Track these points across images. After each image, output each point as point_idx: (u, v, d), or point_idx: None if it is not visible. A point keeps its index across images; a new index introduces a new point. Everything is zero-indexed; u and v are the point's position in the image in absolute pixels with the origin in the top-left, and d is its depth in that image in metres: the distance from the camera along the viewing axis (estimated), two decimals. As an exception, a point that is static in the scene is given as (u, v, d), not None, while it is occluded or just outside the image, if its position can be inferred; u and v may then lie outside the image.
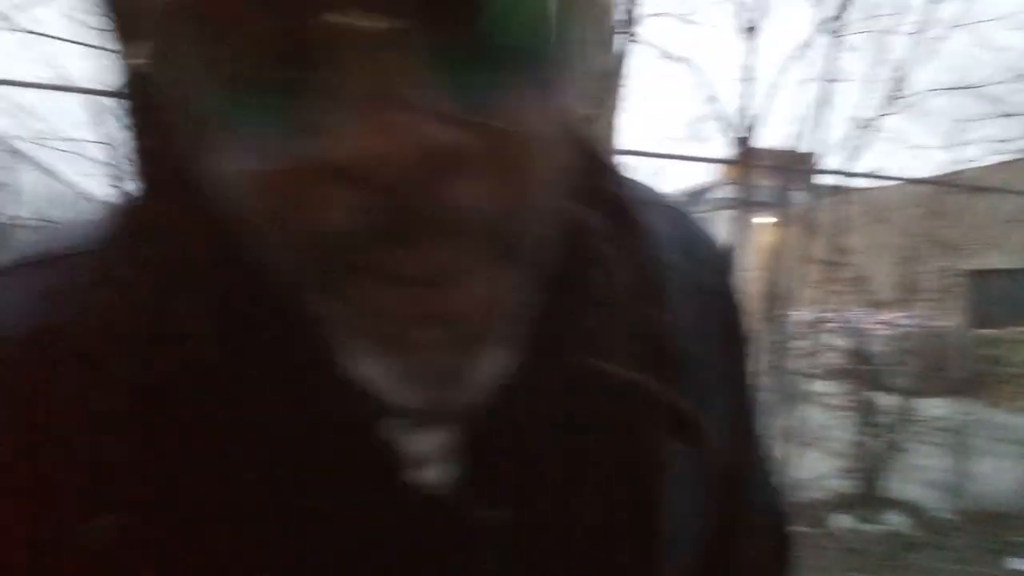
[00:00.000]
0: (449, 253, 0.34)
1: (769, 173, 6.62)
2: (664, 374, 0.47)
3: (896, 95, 6.45)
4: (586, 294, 0.46)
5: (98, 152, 5.29)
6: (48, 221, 5.68)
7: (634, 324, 0.47)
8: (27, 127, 5.40)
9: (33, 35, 5.27)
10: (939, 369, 6.52)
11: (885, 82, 6.46)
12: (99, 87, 5.32)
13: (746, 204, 6.06)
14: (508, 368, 0.39)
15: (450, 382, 0.37)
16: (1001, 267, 7.60)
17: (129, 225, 0.43)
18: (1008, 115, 7.24)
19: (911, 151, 6.39)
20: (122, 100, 0.41)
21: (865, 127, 6.38)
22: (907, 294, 6.28)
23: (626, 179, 0.52)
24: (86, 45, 5.15)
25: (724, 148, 6.24)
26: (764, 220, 6.34)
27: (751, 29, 5.98)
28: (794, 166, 6.33)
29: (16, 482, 0.41)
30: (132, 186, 0.44)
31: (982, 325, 8.40)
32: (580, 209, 0.45)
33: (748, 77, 5.99)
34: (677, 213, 0.60)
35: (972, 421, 6.32)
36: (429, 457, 0.41)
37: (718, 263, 0.61)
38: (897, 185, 7.13)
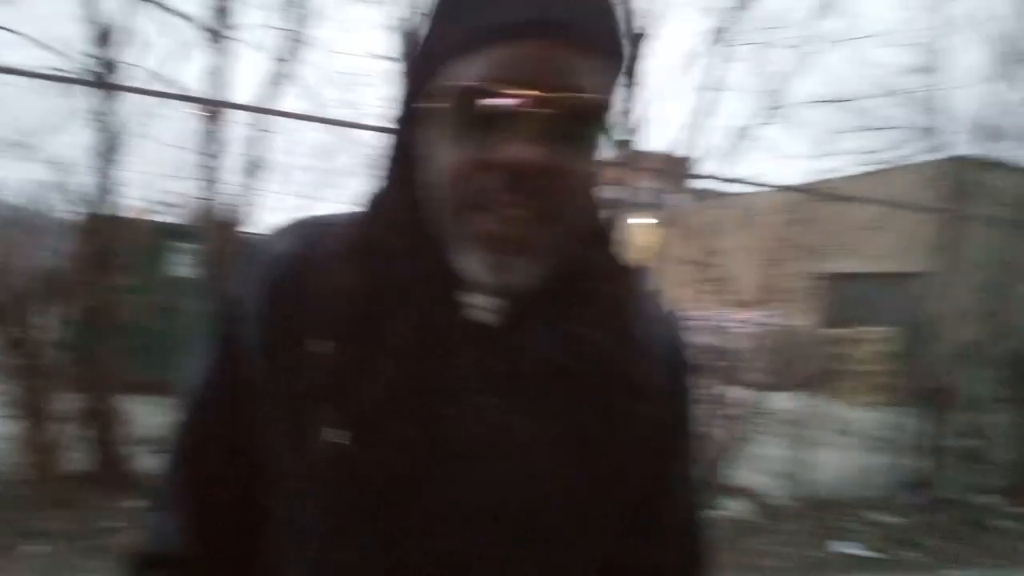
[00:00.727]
0: (534, 210, 0.71)
1: (651, 176, 6.88)
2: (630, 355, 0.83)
3: (773, 105, 6.81)
4: (585, 277, 0.82)
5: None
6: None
7: (614, 317, 0.83)
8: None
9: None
10: (790, 365, 7.02)
11: (764, 93, 6.81)
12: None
13: (628, 205, 6.30)
14: (537, 280, 0.75)
15: (508, 274, 0.73)
16: (854, 271, 8.20)
17: (371, 210, 0.82)
18: (873, 128, 7.77)
19: (783, 159, 6.71)
20: (390, 135, 0.83)
21: (743, 135, 6.72)
22: (768, 295, 6.70)
23: (614, 233, 0.90)
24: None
25: (609, 149, 6.40)
26: (644, 221, 6.59)
27: (641, 35, 6.13)
28: (674, 170, 6.60)
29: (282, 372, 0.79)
30: (372, 185, 0.84)
31: (832, 325, 9.09)
32: (595, 230, 0.85)
33: (636, 82, 6.17)
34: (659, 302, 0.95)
35: (814, 414, 6.89)
36: (489, 308, 0.79)
37: (674, 324, 0.95)
38: (767, 191, 7.54)
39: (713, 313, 6.79)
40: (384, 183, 0.83)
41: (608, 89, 0.74)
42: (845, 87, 8.28)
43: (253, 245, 0.86)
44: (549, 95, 0.68)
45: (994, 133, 7.53)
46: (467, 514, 0.77)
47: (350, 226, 0.81)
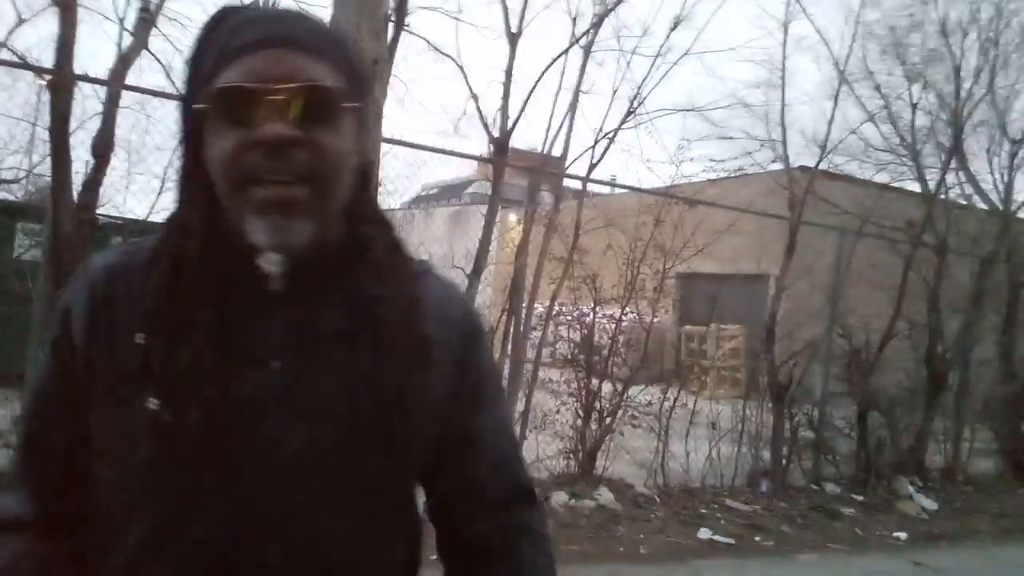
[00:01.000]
0: (293, 176, 0.89)
1: (520, 173, 7.01)
2: (407, 317, 0.98)
3: (634, 111, 7.10)
4: (363, 247, 1.00)
5: None
6: None
7: (387, 282, 0.98)
8: None
9: None
10: (651, 360, 7.31)
11: (625, 98, 7.09)
12: None
13: (497, 200, 6.38)
14: (312, 240, 0.92)
15: (285, 234, 0.90)
16: (708, 271, 8.64)
17: (169, 221, 0.99)
18: (725, 138, 8.25)
19: (642, 163, 6.99)
20: (180, 145, 0.99)
21: (607, 138, 6.97)
22: (629, 292, 6.98)
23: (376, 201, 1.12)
24: None
25: (481, 145, 6.51)
26: (513, 216, 6.68)
27: (515, 34, 6.26)
28: (542, 168, 6.74)
29: (102, 364, 0.96)
30: (174, 196, 1.02)
31: (688, 322, 9.53)
32: (368, 208, 1.04)
33: (509, 80, 6.29)
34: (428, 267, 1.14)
35: (675, 406, 7.18)
36: (275, 265, 0.94)
37: (459, 294, 1.16)
38: (627, 193, 7.84)
39: (579, 309, 6.98)
40: (179, 191, 1.02)
41: (337, 82, 0.93)
42: (698, 97, 8.76)
43: (84, 262, 1.06)
44: (282, 85, 0.88)
45: (830, 147, 8.18)
46: (263, 464, 0.92)
47: (158, 235, 0.99)
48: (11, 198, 5.46)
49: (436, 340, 1.00)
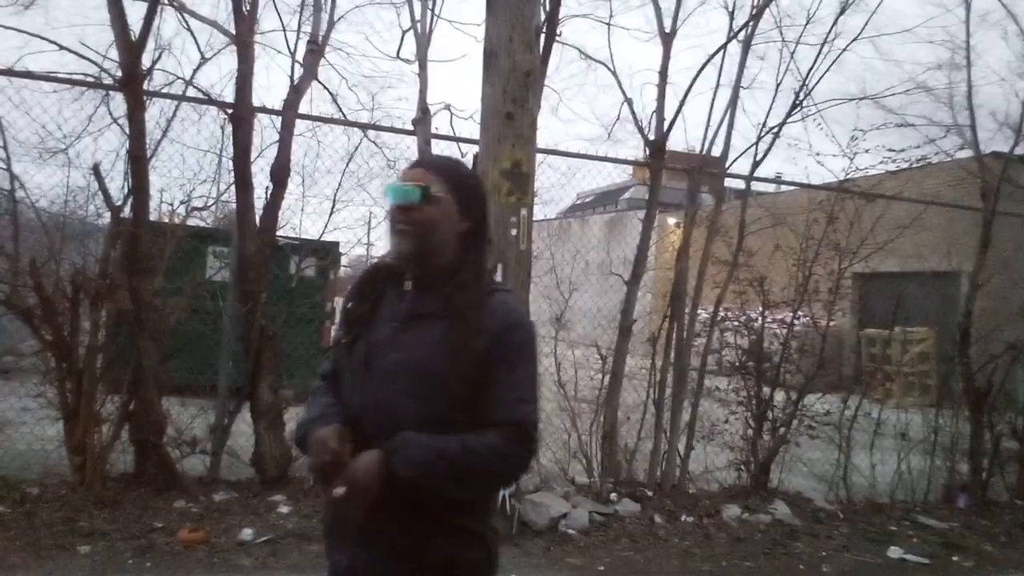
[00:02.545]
0: (406, 220, 1.72)
1: (679, 175, 6.85)
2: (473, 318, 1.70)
3: (800, 103, 6.74)
4: (454, 270, 1.76)
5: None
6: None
7: (467, 298, 1.72)
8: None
9: None
10: (828, 367, 6.87)
11: (790, 90, 6.76)
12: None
13: (655, 204, 6.26)
14: (411, 252, 1.75)
15: (397, 245, 1.74)
16: (888, 271, 8.03)
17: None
18: (903, 125, 7.64)
19: (811, 158, 6.58)
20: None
21: (771, 133, 6.67)
22: (801, 294, 6.59)
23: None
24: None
25: (637, 150, 6.42)
26: (672, 220, 6.51)
27: (669, 34, 6.14)
28: (702, 169, 6.54)
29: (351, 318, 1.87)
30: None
31: (869, 325, 8.87)
32: (469, 251, 1.82)
33: (663, 81, 6.17)
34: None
35: (856, 416, 6.71)
36: (393, 260, 1.80)
37: (510, 307, 1.80)
38: (796, 190, 7.44)
39: (745, 313, 6.69)
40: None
41: (436, 186, 1.72)
42: (871, 84, 8.19)
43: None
44: (407, 181, 1.72)
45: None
46: (391, 371, 1.68)
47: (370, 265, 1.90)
48: (202, 224, 5.93)
49: (487, 325, 1.67)
